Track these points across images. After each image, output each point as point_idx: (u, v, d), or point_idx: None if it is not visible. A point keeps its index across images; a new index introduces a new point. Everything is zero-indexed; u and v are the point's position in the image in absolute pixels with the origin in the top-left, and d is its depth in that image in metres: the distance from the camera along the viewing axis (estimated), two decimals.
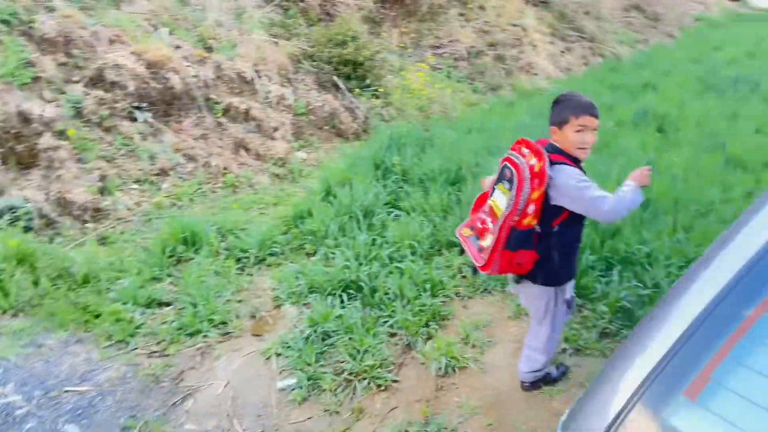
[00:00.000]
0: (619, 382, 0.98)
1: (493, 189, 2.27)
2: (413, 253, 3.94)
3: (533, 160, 2.10)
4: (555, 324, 2.53)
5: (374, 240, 4.06)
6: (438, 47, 9.40)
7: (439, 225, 4.24)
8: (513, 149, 2.22)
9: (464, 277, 3.77)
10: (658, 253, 3.57)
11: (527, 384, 2.75)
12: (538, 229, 2.23)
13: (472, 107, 8.26)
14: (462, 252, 2.51)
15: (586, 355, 3.00)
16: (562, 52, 11.10)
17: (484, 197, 2.40)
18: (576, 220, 2.28)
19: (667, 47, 13.00)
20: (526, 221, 2.16)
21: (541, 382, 2.76)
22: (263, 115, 6.11)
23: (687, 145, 5.74)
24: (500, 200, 2.20)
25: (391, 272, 3.71)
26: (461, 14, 10.20)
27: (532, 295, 2.49)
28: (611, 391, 1.04)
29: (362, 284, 3.54)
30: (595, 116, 2.22)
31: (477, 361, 2.99)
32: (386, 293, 3.49)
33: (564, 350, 3.01)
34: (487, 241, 2.23)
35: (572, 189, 2.14)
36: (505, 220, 2.15)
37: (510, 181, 2.14)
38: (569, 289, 2.50)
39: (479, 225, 2.33)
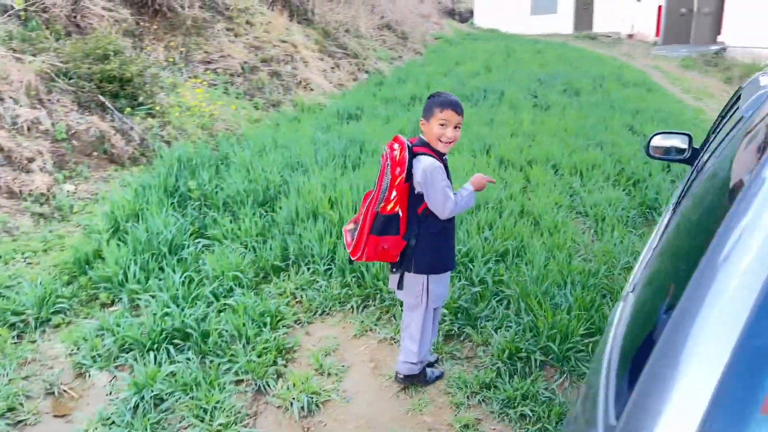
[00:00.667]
0: (673, 412, 0.82)
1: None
2: (239, 285, 3.58)
3: (396, 151, 2.31)
4: (426, 317, 2.55)
5: (191, 278, 3.58)
6: (209, 63, 8.89)
7: (260, 250, 3.94)
8: (388, 145, 2.38)
9: (299, 301, 3.55)
10: (475, 251, 3.82)
11: (401, 376, 2.71)
12: (401, 215, 2.37)
13: (256, 124, 7.98)
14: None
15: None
16: (332, 68, 11.46)
17: (370, 193, 2.46)
18: None
19: (418, 63, 14.36)
20: (389, 207, 2.33)
21: (415, 379, 2.73)
22: (12, 144, 4.99)
23: (463, 149, 6.34)
24: (375, 188, 2.40)
25: (221, 311, 3.30)
26: (229, 29, 9.82)
27: (406, 284, 2.52)
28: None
29: (190, 331, 3.07)
30: (458, 113, 2.38)
31: (338, 390, 2.81)
32: (221, 336, 3.08)
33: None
34: (353, 227, 2.44)
35: (426, 179, 2.31)
36: (369, 206, 2.34)
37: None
38: (446, 281, 2.58)
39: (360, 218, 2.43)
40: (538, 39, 20.58)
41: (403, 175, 2.29)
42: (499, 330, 3.06)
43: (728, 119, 2.35)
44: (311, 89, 10.05)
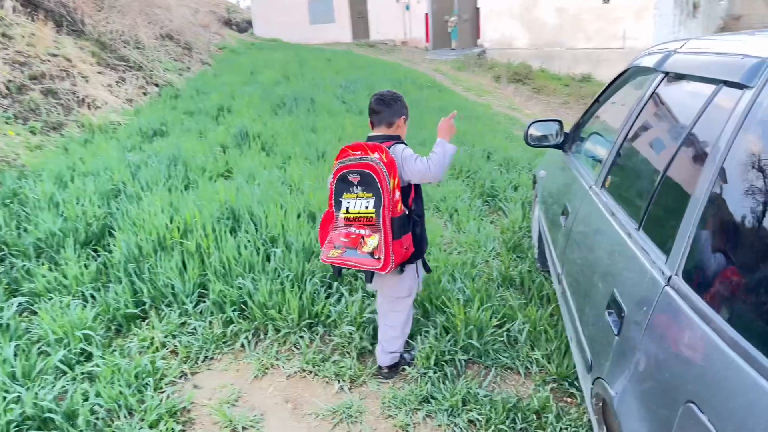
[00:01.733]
0: None
1: (338, 203, 2.35)
2: (90, 344, 2.88)
3: (376, 155, 2.24)
4: (412, 305, 2.68)
5: (23, 348, 2.77)
6: None
7: (103, 299, 3.23)
8: (344, 157, 2.30)
9: (173, 351, 2.98)
10: None
11: (385, 369, 2.73)
12: (407, 212, 2.37)
13: (38, 151, 6.68)
14: (339, 273, 2.55)
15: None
16: (117, 82, 10.18)
17: (328, 219, 2.44)
18: (419, 193, 2.51)
19: (210, 73, 13.57)
20: (399, 208, 2.30)
21: (397, 367, 2.77)
22: None
23: (298, 157, 6.09)
24: (360, 206, 2.28)
25: (81, 382, 2.60)
26: None
27: (399, 279, 2.52)
28: None
29: (50, 415, 2.35)
30: None
31: None
32: (94, 413, 2.42)
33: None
34: (375, 241, 2.26)
35: (408, 160, 2.34)
36: (383, 214, 2.24)
37: (363, 183, 2.24)
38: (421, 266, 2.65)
39: (348, 239, 2.33)
40: (322, 48, 21.04)
41: (397, 172, 2.29)
42: (417, 336, 2.93)
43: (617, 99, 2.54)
44: (97, 107, 8.79)
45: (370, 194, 2.24)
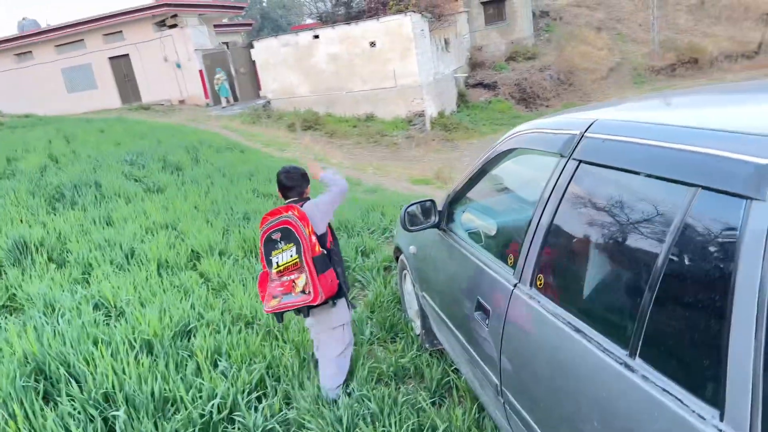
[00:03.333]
0: None
1: (269, 261, 2.77)
2: None
3: (290, 213, 2.75)
4: (350, 335, 3.09)
5: None
6: None
7: None
8: (265, 222, 2.79)
9: None
10: None
11: (338, 398, 2.88)
12: (324, 252, 2.85)
13: None
14: (281, 318, 2.94)
15: None
16: None
17: (264, 277, 2.86)
18: (335, 238, 3.12)
19: None
20: (317, 249, 2.79)
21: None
22: None
23: (100, 264, 5.07)
24: (286, 257, 2.73)
25: None
26: None
27: (333, 310, 2.95)
28: None
29: None
30: None
31: None
32: None
33: None
34: (303, 280, 2.72)
35: (319, 203, 2.90)
36: (304, 256, 2.71)
37: (284, 238, 2.72)
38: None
39: (283, 287, 2.76)
40: (89, 117, 18.87)
41: (309, 222, 2.78)
42: None
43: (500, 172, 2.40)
44: None
45: (291, 244, 2.71)
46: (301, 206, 2.83)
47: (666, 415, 1.20)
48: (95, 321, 3.77)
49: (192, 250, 5.31)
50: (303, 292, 2.71)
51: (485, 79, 25.30)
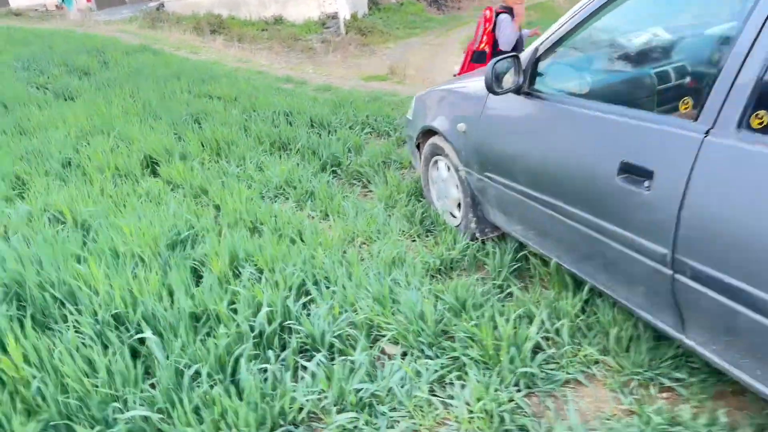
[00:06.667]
0: None
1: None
2: None
3: (487, 12, 4.49)
4: None
5: None
6: None
7: None
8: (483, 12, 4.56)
9: None
10: None
11: None
12: (487, 51, 4.52)
13: None
14: None
15: None
16: None
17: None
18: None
19: None
20: (481, 46, 4.52)
21: None
22: None
23: (33, 178, 4.20)
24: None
25: None
26: None
27: None
28: None
29: None
30: None
31: None
32: None
33: None
34: (458, 66, 4.81)
35: (499, 25, 4.45)
36: (469, 46, 4.68)
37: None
38: None
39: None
40: None
41: (490, 26, 4.47)
42: (452, 385, 2.08)
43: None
44: None
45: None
46: (497, 13, 4.45)
47: None
48: (65, 238, 3.08)
49: (145, 156, 4.54)
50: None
51: None
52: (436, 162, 3.24)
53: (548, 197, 2.20)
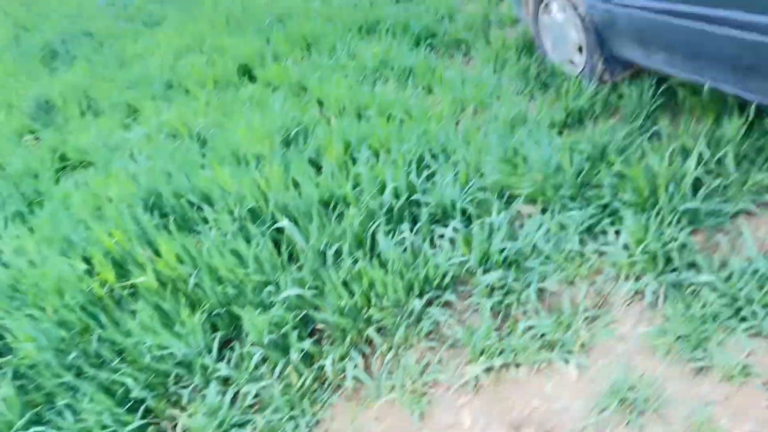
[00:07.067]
0: None
1: None
2: None
3: None
4: None
5: None
6: None
7: None
8: None
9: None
10: None
11: None
12: None
13: None
14: None
15: None
16: None
17: None
18: None
19: None
20: None
21: None
22: None
23: (142, 103, 4.36)
24: None
25: None
26: None
27: None
28: None
29: None
30: None
31: None
32: None
33: None
34: None
35: None
36: None
37: None
38: None
39: None
40: None
41: None
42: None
43: None
44: None
45: None
46: None
47: None
48: (186, 149, 3.18)
49: (240, 64, 4.53)
50: None
51: None
52: (547, 5, 2.89)
53: (702, 7, 1.86)
